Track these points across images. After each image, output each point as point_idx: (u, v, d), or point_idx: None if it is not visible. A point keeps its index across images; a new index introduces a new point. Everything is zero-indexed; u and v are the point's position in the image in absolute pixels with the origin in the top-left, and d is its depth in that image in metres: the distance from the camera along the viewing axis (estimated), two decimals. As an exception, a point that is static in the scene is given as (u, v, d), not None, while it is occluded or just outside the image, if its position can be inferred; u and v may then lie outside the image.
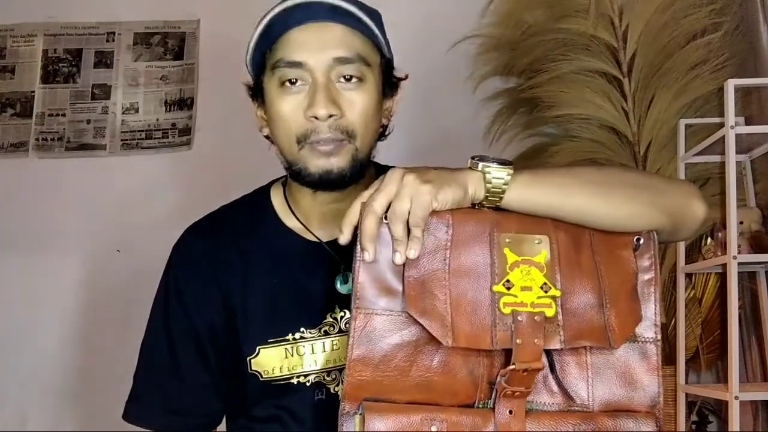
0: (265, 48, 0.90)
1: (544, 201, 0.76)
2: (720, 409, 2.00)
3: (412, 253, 0.70)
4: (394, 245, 0.71)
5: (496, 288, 0.72)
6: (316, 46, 0.86)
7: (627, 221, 0.78)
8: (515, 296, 0.72)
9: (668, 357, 1.96)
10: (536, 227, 0.76)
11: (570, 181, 0.77)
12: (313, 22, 0.87)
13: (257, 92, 0.94)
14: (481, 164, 0.74)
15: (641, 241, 0.78)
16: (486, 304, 0.71)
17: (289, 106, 0.87)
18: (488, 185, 0.74)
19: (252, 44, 0.90)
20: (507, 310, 0.71)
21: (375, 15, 0.92)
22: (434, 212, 0.73)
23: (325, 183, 0.88)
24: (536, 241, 0.74)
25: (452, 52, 2.22)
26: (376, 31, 0.90)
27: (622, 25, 2.03)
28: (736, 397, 1.60)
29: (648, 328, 0.76)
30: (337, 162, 0.87)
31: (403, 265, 0.72)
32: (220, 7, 2.44)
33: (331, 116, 0.85)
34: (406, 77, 0.97)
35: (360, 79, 0.88)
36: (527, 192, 0.75)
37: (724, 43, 1.99)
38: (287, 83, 0.87)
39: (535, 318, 0.71)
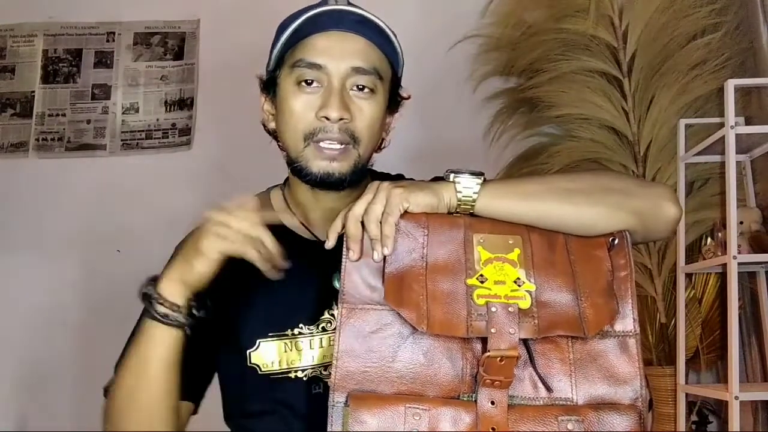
0: (287, 47, 0.94)
1: (512, 208, 0.82)
2: (720, 409, 2.00)
3: (385, 250, 0.77)
4: (371, 244, 0.78)
5: (469, 281, 0.77)
6: (337, 53, 0.91)
7: (594, 224, 0.83)
8: (489, 289, 0.76)
9: (668, 357, 1.97)
10: (510, 229, 0.81)
11: (537, 188, 0.83)
12: (337, 31, 0.92)
13: (269, 86, 0.98)
14: (452, 175, 0.82)
15: (616, 241, 0.82)
16: (461, 296, 0.76)
17: (302, 104, 0.92)
18: (459, 194, 0.81)
19: (280, 42, 0.94)
20: (481, 302, 0.75)
21: (394, 35, 0.96)
22: (411, 216, 0.80)
23: (324, 184, 0.93)
24: (509, 241, 0.80)
25: (452, 52, 2.22)
26: (397, 47, 0.96)
27: (622, 25, 2.03)
28: (736, 397, 1.61)
29: (627, 323, 0.79)
30: (339, 167, 0.92)
31: (384, 263, 0.78)
32: (220, 7, 2.44)
33: (341, 119, 0.90)
34: (409, 97, 1.02)
35: (372, 91, 0.93)
36: (496, 200, 0.81)
37: (724, 43, 1.99)
38: (303, 83, 0.92)
39: (509, 309, 0.75)
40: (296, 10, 0.95)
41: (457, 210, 0.82)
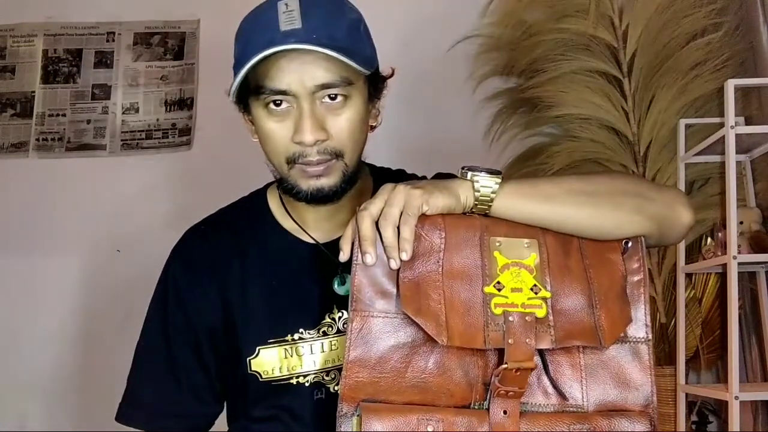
0: (248, 66, 0.83)
1: (530, 210, 0.78)
2: (720, 409, 2.00)
3: (404, 255, 0.72)
4: (386, 251, 0.73)
5: (487, 289, 0.74)
6: (299, 74, 0.83)
7: (613, 229, 0.80)
8: (506, 297, 0.73)
9: (668, 357, 1.97)
10: (525, 231, 0.78)
11: (556, 191, 0.79)
12: (295, 49, 0.82)
13: (242, 102, 0.91)
14: (470, 173, 0.77)
15: (629, 245, 0.80)
16: (478, 305, 0.73)
17: (276, 130, 0.86)
18: (477, 193, 0.77)
19: (234, 63, 0.87)
20: (498, 311, 0.73)
21: (354, 31, 0.87)
22: (427, 217, 0.75)
23: (317, 200, 0.89)
24: (525, 245, 0.77)
25: (452, 52, 2.22)
26: (354, 64, 0.84)
27: (622, 25, 2.03)
28: (736, 397, 1.60)
29: (639, 329, 0.77)
30: (327, 181, 0.87)
31: (398, 267, 0.73)
32: (220, 7, 2.43)
33: (317, 141, 0.84)
34: (393, 73, 0.95)
35: (345, 97, 0.86)
36: (514, 201, 0.78)
37: (724, 43, 1.99)
38: (272, 105, 0.85)
39: (526, 318, 0.72)
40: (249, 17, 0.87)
41: (473, 210, 0.78)
